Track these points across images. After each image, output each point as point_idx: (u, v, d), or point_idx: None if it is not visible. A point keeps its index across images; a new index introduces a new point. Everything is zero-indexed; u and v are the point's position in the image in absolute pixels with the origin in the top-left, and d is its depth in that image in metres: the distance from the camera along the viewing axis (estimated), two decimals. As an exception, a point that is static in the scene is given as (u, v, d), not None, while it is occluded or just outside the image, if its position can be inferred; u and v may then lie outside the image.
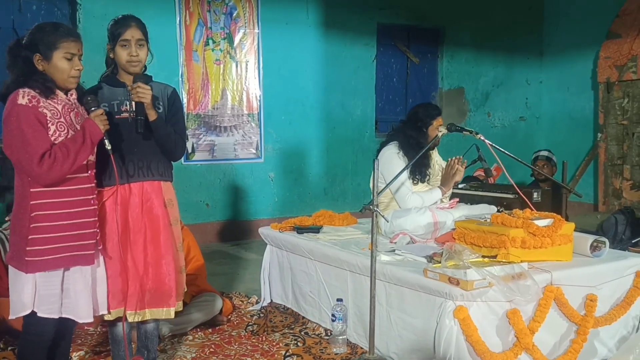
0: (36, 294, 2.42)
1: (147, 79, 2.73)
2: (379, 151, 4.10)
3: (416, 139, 3.93)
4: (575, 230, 3.21)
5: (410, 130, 3.99)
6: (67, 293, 2.50)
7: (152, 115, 2.67)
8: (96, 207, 2.57)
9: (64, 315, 2.50)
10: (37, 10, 5.89)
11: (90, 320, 2.57)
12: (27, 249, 2.40)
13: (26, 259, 2.40)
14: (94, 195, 2.56)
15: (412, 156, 3.74)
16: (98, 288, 2.61)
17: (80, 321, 2.56)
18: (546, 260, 3.07)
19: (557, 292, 2.91)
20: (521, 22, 8.53)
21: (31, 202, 2.41)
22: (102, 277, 2.63)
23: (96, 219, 2.56)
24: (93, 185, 2.57)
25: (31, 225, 2.40)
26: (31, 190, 2.41)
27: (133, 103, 2.67)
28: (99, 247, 2.60)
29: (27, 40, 2.45)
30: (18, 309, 2.46)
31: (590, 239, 3.28)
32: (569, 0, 8.34)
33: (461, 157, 4.05)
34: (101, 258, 2.63)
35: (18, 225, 2.45)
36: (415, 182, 3.99)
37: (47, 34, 2.44)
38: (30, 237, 2.40)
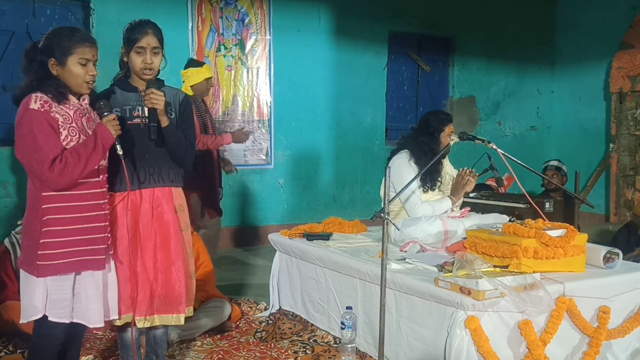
0: (47, 298, 2.42)
1: (160, 84, 2.73)
2: (389, 159, 4.08)
3: (429, 145, 3.92)
4: (587, 241, 3.18)
5: (422, 136, 3.97)
6: (78, 298, 2.49)
7: (164, 122, 2.66)
8: (107, 211, 2.56)
9: (74, 320, 2.49)
10: (51, 14, 5.94)
11: (101, 325, 2.56)
12: (39, 252, 2.40)
13: (37, 263, 2.40)
14: (106, 200, 2.56)
15: (423, 163, 3.72)
16: (109, 293, 2.61)
17: (91, 326, 2.55)
18: (559, 271, 3.04)
19: (570, 303, 2.88)
20: (533, 31, 8.51)
21: (43, 206, 2.41)
22: (113, 282, 2.63)
23: (107, 223, 2.56)
24: (104, 190, 2.56)
25: (43, 229, 2.41)
26: (43, 194, 2.41)
27: (145, 109, 2.67)
28: (110, 252, 2.60)
29: (43, 44, 2.46)
30: (29, 313, 2.46)
31: (603, 250, 3.24)
32: (581, 11, 8.31)
33: (473, 169, 4.03)
34: (112, 263, 2.62)
35: (30, 229, 2.45)
36: (425, 189, 3.97)
37: (63, 39, 2.45)
38: (41, 241, 2.40)
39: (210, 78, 4.87)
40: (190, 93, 4.74)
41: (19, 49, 5.63)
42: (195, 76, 4.77)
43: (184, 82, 4.87)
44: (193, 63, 4.92)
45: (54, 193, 2.41)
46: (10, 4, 5.78)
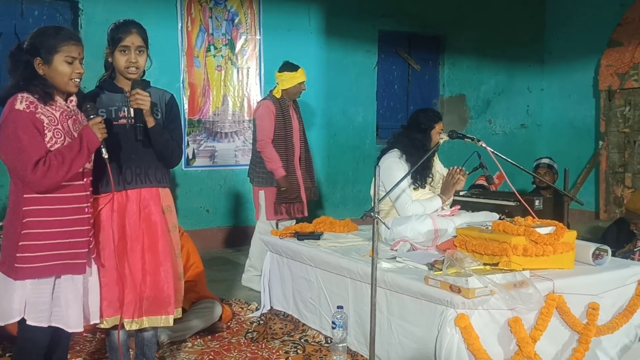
0: (26, 302, 2.39)
1: (145, 85, 2.71)
2: (379, 158, 4.08)
3: (421, 142, 3.92)
4: (577, 238, 3.20)
5: (414, 133, 3.98)
6: (57, 301, 2.46)
7: (150, 122, 2.65)
8: (90, 215, 2.53)
9: (52, 324, 2.45)
10: (39, 15, 5.89)
11: (80, 329, 2.53)
12: (17, 255, 2.37)
13: (15, 265, 2.37)
14: (88, 204, 2.53)
15: (414, 161, 3.73)
16: (90, 297, 2.57)
17: (70, 330, 2.51)
18: (548, 268, 3.05)
19: (559, 300, 2.89)
20: (523, 30, 8.53)
21: (24, 208, 2.39)
22: (95, 286, 2.60)
23: (89, 227, 2.52)
24: (88, 193, 2.54)
25: (22, 232, 2.38)
26: (24, 196, 2.39)
27: (131, 109, 2.65)
28: (92, 256, 2.56)
29: (28, 44, 2.44)
30: (6, 316, 2.42)
31: (592, 247, 3.26)
32: (571, 9, 8.35)
33: (463, 168, 4.04)
34: (94, 267, 2.59)
35: (10, 231, 2.42)
36: (416, 187, 3.97)
37: (48, 37, 2.43)
38: (20, 243, 2.37)
39: (304, 82, 4.91)
40: (279, 95, 4.84)
41: (6, 50, 5.55)
42: (289, 81, 4.85)
43: (277, 83, 4.92)
44: (288, 67, 4.94)
45: (35, 195, 2.39)
46: (-2, 5, 5.74)
